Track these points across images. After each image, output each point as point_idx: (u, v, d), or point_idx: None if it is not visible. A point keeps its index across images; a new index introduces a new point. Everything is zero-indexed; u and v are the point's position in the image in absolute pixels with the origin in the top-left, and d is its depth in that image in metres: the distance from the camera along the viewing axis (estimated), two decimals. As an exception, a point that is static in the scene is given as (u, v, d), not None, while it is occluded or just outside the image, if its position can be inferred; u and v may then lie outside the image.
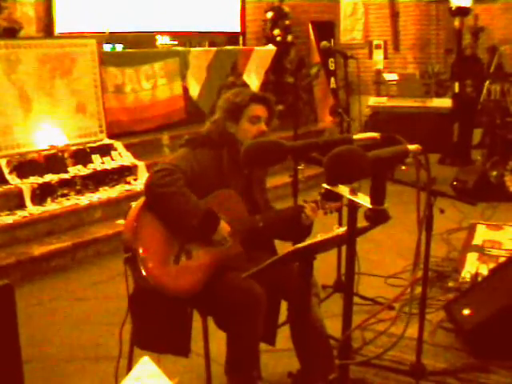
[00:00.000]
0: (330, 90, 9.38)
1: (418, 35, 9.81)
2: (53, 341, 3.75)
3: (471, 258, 4.39)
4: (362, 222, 1.75)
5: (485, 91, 7.67)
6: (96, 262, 5.15)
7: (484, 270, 4.18)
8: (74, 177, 5.79)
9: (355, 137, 1.77)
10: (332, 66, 9.52)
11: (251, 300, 2.63)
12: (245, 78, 8.15)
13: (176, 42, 8.25)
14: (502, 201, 6.53)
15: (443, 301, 3.99)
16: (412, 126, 7.40)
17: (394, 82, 8.53)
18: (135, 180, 6.18)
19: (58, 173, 5.75)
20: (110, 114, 6.64)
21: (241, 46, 8.91)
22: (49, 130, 6.05)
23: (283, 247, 2.60)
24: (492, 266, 4.14)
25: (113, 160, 6.26)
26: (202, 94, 7.50)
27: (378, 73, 9.48)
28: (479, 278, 4.08)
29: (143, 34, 7.87)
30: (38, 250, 4.95)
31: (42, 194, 5.48)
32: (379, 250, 5.15)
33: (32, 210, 5.31)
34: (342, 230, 2.19)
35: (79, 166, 5.97)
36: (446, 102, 7.95)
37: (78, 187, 5.77)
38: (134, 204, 2.75)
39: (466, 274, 4.27)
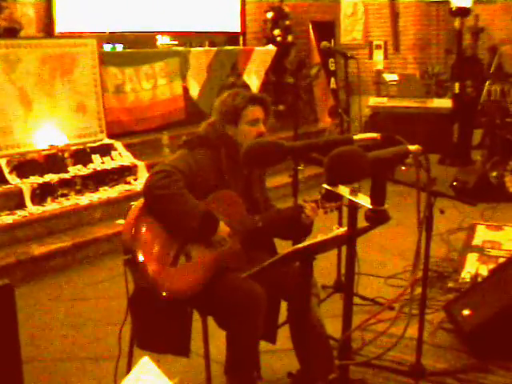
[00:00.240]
0: (330, 90, 9.39)
1: (418, 35, 9.81)
2: (53, 341, 3.75)
3: (471, 259, 4.39)
4: (362, 223, 1.75)
5: (485, 92, 7.67)
6: (96, 262, 5.15)
7: (484, 271, 4.18)
8: (74, 177, 5.79)
9: (355, 137, 1.76)
10: (332, 67, 9.53)
11: (251, 300, 2.63)
12: (245, 78, 8.16)
13: (176, 42, 8.26)
14: (502, 201, 6.53)
15: (443, 301, 3.99)
16: (412, 127, 7.40)
17: (394, 83, 8.52)
18: (135, 180, 6.18)
19: (58, 173, 5.75)
20: (110, 114, 6.64)
21: (241, 46, 8.91)
22: (49, 129, 6.05)
23: (283, 247, 2.60)
24: (492, 266, 4.14)
25: (113, 160, 6.26)
26: (202, 94, 7.51)
27: (378, 73, 9.47)
28: (479, 279, 4.08)
29: (143, 34, 7.88)
30: (38, 250, 4.95)
31: (42, 193, 5.48)
32: (379, 250, 5.15)
33: (32, 209, 5.32)
34: (342, 230, 2.19)
35: (79, 166, 5.97)
36: (446, 103, 7.96)
37: (78, 187, 5.77)
38: (134, 204, 2.75)
39: (466, 274, 4.27)
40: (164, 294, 2.61)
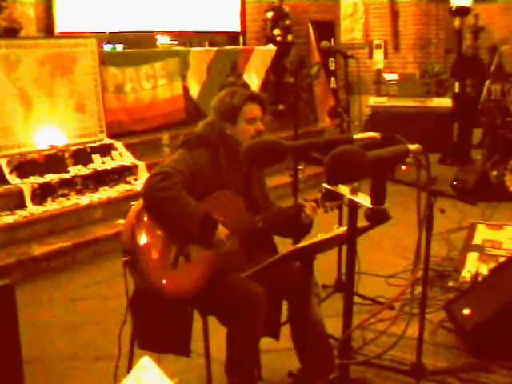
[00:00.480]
0: (330, 89, 9.38)
1: (418, 35, 9.80)
2: (53, 341, 3.76)
3: (471, 258, 4.39)
4: (362, 222, 1.75)
5: (485, 91, 7.66)
6: (96, 262, 5.15)
7: (484, 270, 4.18)
8: (74, 177, 5.79)
9: (355, 136, 1.77)
10: (332, 66, 9.52)
11: (251, 300, 2.63)
12: (245, 77, 8.16)
13: (176, 42, 8.25)
14: (502, 200, 6.53)
15: (443, 300, 3.99)
16: (412, 126, 7.39)
17: (394, 82, 8.54)
18: (135, 180, 6.18)
19: (58, 173, 5.75)
20: (110, 114, 6.64)
21: (241, 46, 8.91)
22: (49, 129, 6.05)
23: (284, 247, 2.60)
24: (492, 265, 4.14)
25: (113, 160, 6.26)
26: (202, 94, 7.50)
27: (378, 72, 9.47)
28: (479, 278, 4.08)
29: (143, 34, 7.87)
30: (38, 250, 4.95)
31: (42, 193, 5.48)
32: (379, 249, 5.16)
33: (32, 209, 5.32)
34: (343, 229, 2.19)
35: (79, 166, 5.97)
36: (446, 102, 7.95)
37: (78, 187, 5.77)
38: (134, 204, 2.75)
39: (467, 273, 4.28)
40: (164, 294, 2.61)
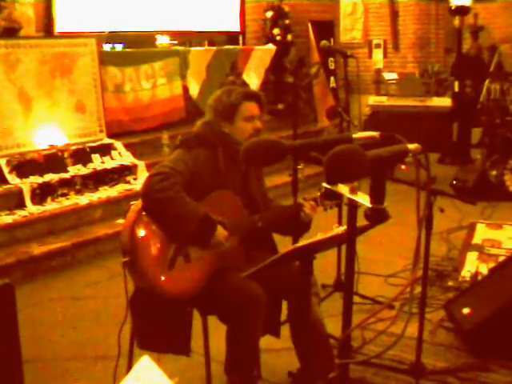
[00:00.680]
0: (330, 89, 9.38)
1: (417, 34, 9.80)
2: (53, 341, 3.76)
3: (471, 257, 4.39)
4: (361, 221, 1.75)
5: (484, 90, 7.66)
6: (96, 261, 5.15)
7: (484, 269, 4.18)
8: (73, 176, 5.79)
9: (355, 136, 1.77)
10: (332, 66, 9.52)
11: (251, 300, 2.63)
12: (244, 77, 8.15)
13: (176, 42, 8.25)
14: (502, 200, 6.53)
15: (443, 300, 3.99)
16: (412, 126, 7.39)
17: (394, 82, 8.52)
18: (135, 179, 6.18)
19: (57, 172, 5.74)
20: (109, 114, 6.64)
21: (240, 46, 8.91)
22: (49, 129, 6.05)
23: (283, 246, 2.60)
24: (492, 265, 4.14)
25: (113, 159, 6.26)
26: (201, 94, 7.50)
27: (378, 72, 9.46)
28: (479, 277, 4.08)
29: (143, 34, 7.87)
30: (37, 250, 4.95)
31: (41, 193, 5.48)
32: (379, 249, 5.15)
33: (32, 209, 5.31)
34: (342, 229, 2.19)
35: (79, 166, 5.97)
36: (445, 102, 7.95)
37: (77, 187, 5.77)
38: (133, 204, 2.75)
39: (466, 273, 4.28)
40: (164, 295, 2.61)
